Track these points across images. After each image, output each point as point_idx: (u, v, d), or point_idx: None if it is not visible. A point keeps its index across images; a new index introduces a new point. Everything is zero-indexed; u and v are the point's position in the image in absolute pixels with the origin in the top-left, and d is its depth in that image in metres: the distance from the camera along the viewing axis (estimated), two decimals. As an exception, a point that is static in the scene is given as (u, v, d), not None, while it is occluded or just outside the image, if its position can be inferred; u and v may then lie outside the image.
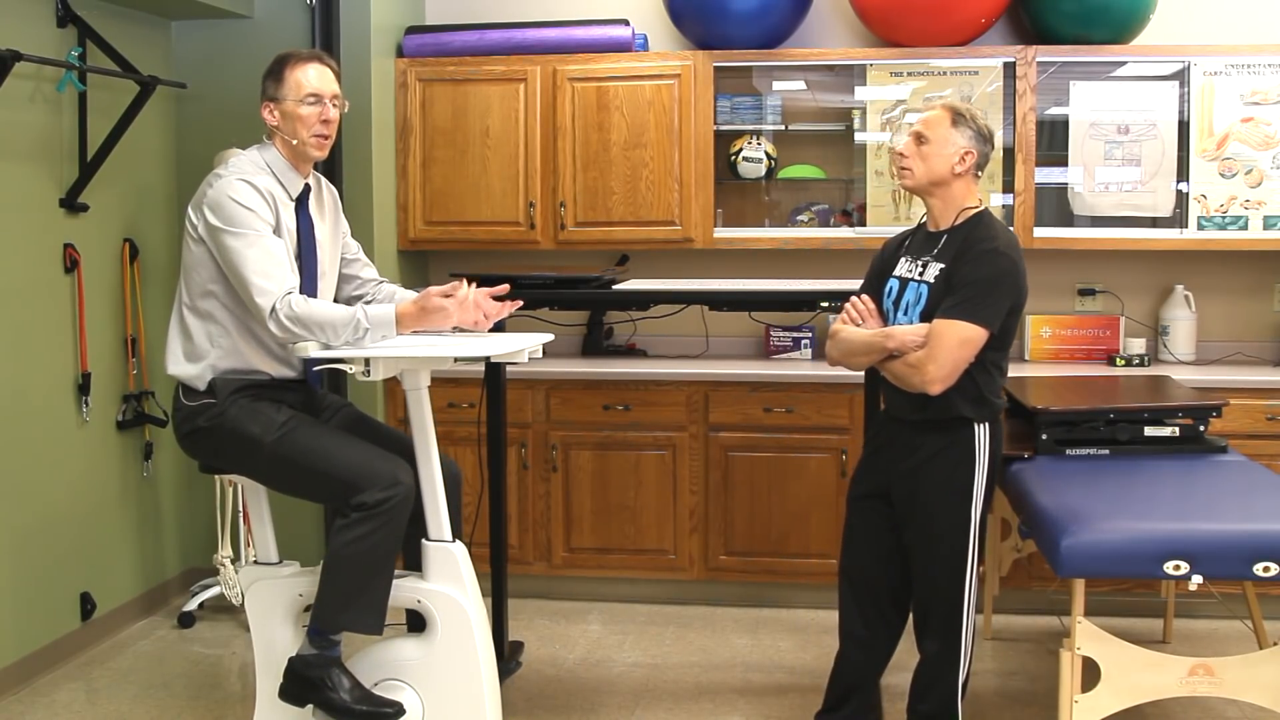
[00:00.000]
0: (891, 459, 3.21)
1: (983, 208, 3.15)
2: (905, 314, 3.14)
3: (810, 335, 4.93)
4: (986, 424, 3.08)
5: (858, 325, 3.20)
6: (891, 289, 3.21)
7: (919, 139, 3.12)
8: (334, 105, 3.04)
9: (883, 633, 3.27)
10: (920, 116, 3.18)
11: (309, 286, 3.00)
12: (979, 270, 3.01)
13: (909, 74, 4.67)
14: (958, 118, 3.09)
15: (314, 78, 3.01)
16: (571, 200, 4.83)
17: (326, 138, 3.04)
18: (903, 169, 3.15)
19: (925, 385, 3.01)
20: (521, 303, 3.16)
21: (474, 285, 3.05)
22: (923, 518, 3.13)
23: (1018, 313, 3.09)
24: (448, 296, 2.95)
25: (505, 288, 3.14)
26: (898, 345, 3.08)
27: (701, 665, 4.12)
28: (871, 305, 3.21)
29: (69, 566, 4.14)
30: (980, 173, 3.16)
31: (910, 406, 3.13)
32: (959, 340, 2.98)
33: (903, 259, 3.21)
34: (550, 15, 4.99)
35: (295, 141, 3.01)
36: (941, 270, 3.07)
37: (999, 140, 4.61)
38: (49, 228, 4.06)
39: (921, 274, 3.12)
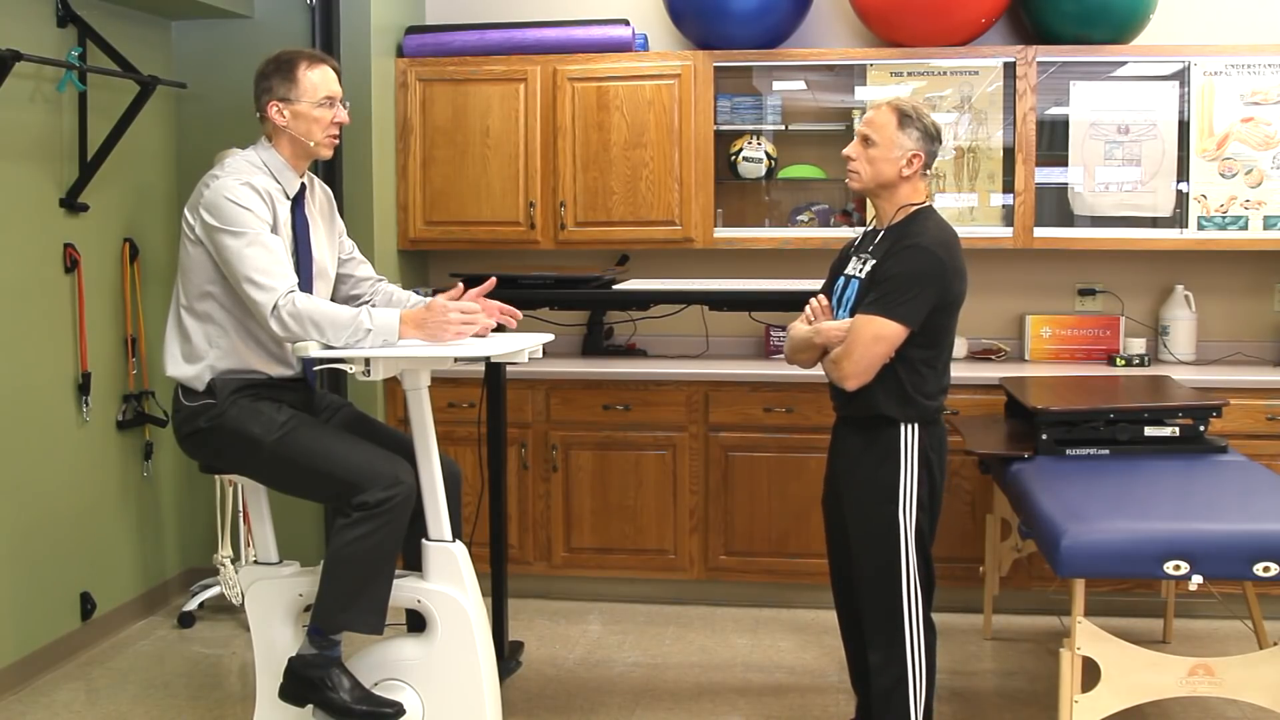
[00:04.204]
0: (833, 457, 3.24)
1: (924, 204, 3.08)
2: (845, 310, 3.12)
3: (810, 335, 4.93)
4: (915, 424, 3.02)
5: (811, 323, 3.17)
6: (838, 287, 3.20)
7: (865, 141, 3.06)
8: (343, 106, 3.07)
9: (860, 632, 3.24)
10: (866, 116, 3.11)
11: (305, 285, 3.00)
12: (898, 266, 2.97)
13: (909, 74, 4.67)
14: (904, 118, 3.02)
15: (329, 79, 3.04)
16: (571, 200, 4.83)
17: (337, 138, 3.07)
18: (850, 172, 3.10)
19: (841, 381, 3.02)
20: (519, 317, 3.14)
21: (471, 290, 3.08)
22: (851, 518, 3.12)
23: (948, 311, 3.02)
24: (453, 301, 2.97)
25: (491, 282, 3.14)
26: (823, 340, 3.08)
27: (701, 665, 4.12)
28: (826, 304, 3.19)
29: (69, 566, 4.14)
30: (928, 171, 3.10)
31: (839, 403, 3.15)
32: (872, 336, 2.95)
33: (853, 257, 3.20)
34: (550, 15, 4.99)
35: (311, 143, 3.02)
36: (872, 266, 3.05)
37: (999, 140, 4.63)
38: (49, 228, 4.06)
39: (860, 271, 3.10)
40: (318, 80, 3.01)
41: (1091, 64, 4.60)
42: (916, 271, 2.96)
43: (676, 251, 4.94)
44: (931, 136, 3.05)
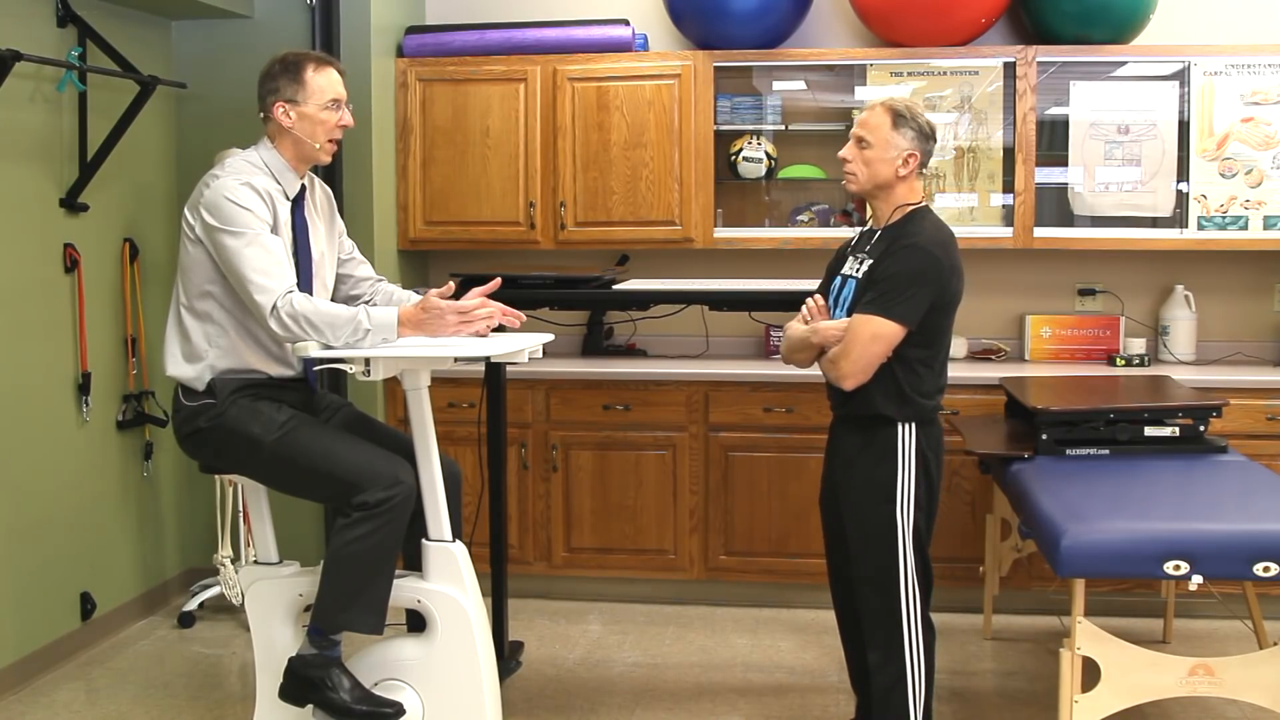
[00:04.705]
0: (830, 458, 3.24)
1: (920, 204, 3.09)
2: (842, 310, 3.12)
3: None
4: (912, 424, 3.02)
5: (807, 323, 3.17)
6: (835, 287, 3.21)
7: (860, 142, 3.07)
8: (348, 109, 3.08)
9: (859, 632, 3.24)
10: (860, 117, 3.11)
11: (304, 286, 3.01)
12: (895, 265, 2.98)
13: (909, 74, 4.67)
14: (898, 118, 3.03)
15: (336, 83, 3.05)
16: (571, 200, 4.83)
17: (338, 142, 3.08)
18: (847, 174, 3.11)
19: (839, 380, 3.02)
20: (523, 319, 3.14)
21: (474, 291, 3.07)
22: (849, 518, 3.12)
23: (945, 310, 3.03)
24: (446, 299, 2.96)
25: (496, 283, 3.14)
26: (820, 340, 3.08)
27: (701, 665, 4.12)
28: (823, 304, 3.19)
29: (69, 566, 4.14)
30: (924, 170, 3.11)
31: (836, 403, 3.15)
32: (870, 335, 2.95)
33: (849, 257, 3.20)
34: (550, 15, 4.99)
35: (316, 145, 3.03)
36: (869, 266, 3.06)
37: (999, 140, 4.63)
38: (49, 228, 4.06)
39: (857, 271, 3.11)
40: (325, 83, 3.02)
41: (1091, 64, 4.60)
42: (914, 271, 2.96)
43: (676, 251, 4.94)
44: (926, 135, 3.05)
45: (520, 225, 4.87)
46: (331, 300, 3.15)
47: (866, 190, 3.11)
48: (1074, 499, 3.13)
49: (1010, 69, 4.60)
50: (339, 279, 3.25)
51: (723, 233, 4.81)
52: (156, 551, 4.64)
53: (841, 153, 3.12)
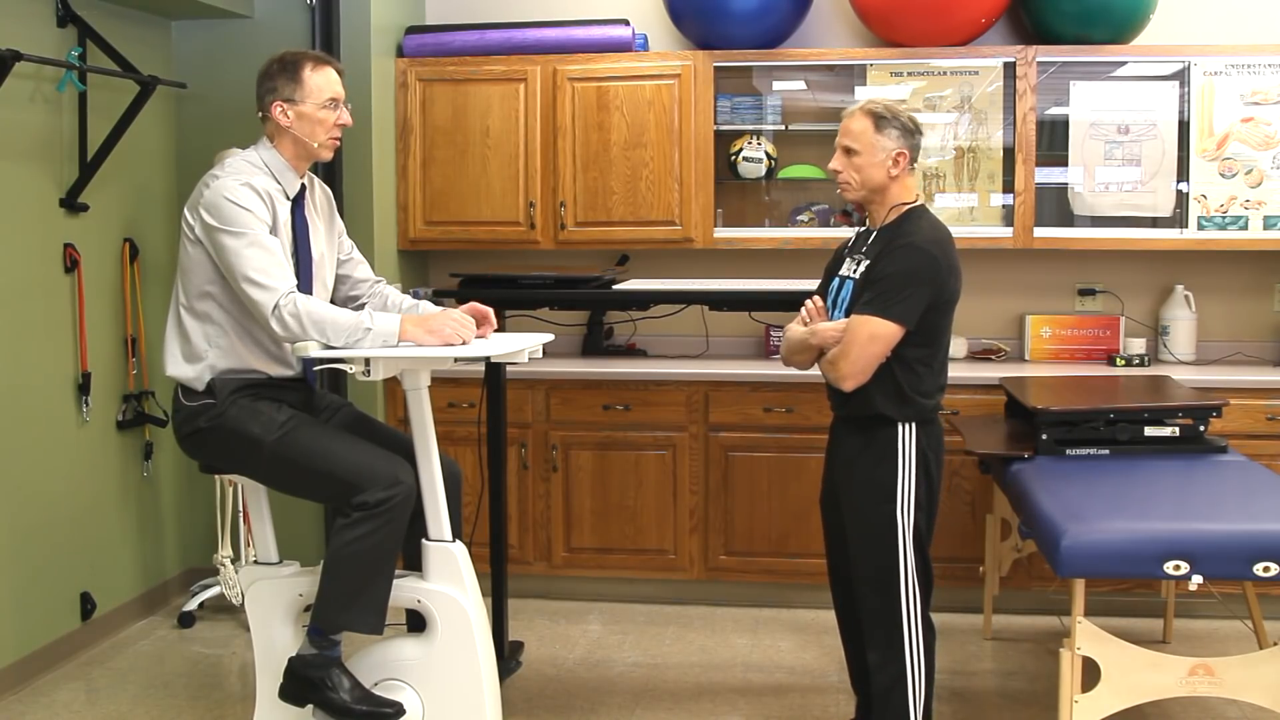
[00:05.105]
0: (831, 458, 3.24)
1: (915, 204, 3.10)
2: (840, 312, 3.13)
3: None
4: (912, 424, 3.02)
5: (806, 325, 3.17)
6: (833, 288, 3.21)
7: (847, 152, 3.08)
8: (347, 108, 3.08)
9: (859, 632, 3.24)
10: (842, 125, 3.11)
11: (304, 286, 3.01)
12: (892, 265, 2.99)
13: (909, 74, 4.67)
14: (880, 120, 3.04)
15: (334, 82, 3.05)
16: (571, 200, 4.83)
17: (338, 140, 3.08)
18: (841, 184, 3.12)
19: (839, 381, 3.02)
20: (489, 315, 3.15)
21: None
22: (850, 518, 3.12)
23: (943, 309, 3.03)
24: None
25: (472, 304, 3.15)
26: (819, 341, 3.09)
27: (701, 665, 4.12)
28: (822, 305, 3.19)
29: (69, 566, 4.14)
30: (914, 165, 3.10)
31: (836, 403, 3.16)
32: (868, 336, 2.96)
33: (847, 258, 3.21)
34: (550, 15, 4.99)
35: (315, 144, 3.03)
36: (866, 267, 3.06)
37: (999, 140, 4.63)
38: (49, 228, 4.06)
39: (855, 272, 3.11)
40: (322, 82, 3.02)
41: (1091, 64, 4.60)
42: (911, 270, 2.97)
43: (676, 251, 4.94)
44: (911, 130, 3.06)
45: (520, 225, 4.87)
46: (330, 301, 3.15)
47: (863, 196, 3.12)
48: (1074, 499, 3.13)
49: (1010, 69, 4.60)
50: (338, 279, 3.25)
51: (723, 233, 4.81)
52: (156, 551, 4.64)
53: (831, 165, 3.13)
